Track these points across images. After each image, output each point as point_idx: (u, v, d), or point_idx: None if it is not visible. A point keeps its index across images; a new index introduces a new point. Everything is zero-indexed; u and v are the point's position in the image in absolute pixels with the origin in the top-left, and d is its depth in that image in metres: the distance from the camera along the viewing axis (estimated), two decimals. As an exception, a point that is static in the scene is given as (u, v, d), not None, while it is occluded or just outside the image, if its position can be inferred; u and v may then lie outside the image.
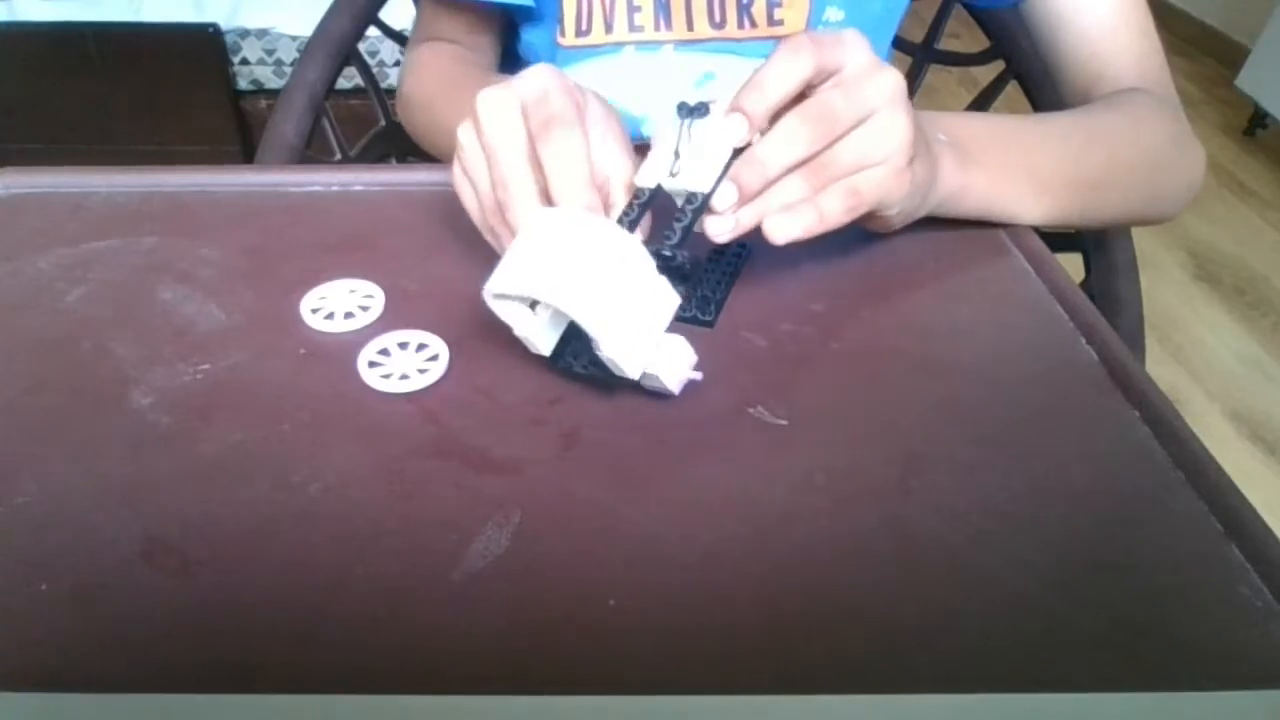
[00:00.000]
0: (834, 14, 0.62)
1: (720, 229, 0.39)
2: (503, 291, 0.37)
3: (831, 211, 0.40)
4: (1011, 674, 0.29)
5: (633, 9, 0.62)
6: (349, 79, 0.85)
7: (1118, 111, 0.56)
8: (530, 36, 0.71)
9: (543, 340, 0.39)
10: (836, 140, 0.40)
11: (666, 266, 0.38)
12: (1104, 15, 0.60)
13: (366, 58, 0.88)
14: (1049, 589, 0.32)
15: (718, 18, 0.62)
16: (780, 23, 0.62)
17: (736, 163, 0.39)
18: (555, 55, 0.65)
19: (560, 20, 0.63)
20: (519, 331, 0.39)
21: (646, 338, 0.37)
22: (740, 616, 0.31)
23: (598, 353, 0.36)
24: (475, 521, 0.34)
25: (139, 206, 0.46)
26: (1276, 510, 0.37)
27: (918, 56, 0.88)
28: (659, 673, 0.29)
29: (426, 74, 0.68)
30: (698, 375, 0.39)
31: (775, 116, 0.40)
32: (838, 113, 0.39)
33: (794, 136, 0.39)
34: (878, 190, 0.41)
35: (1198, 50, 2.83)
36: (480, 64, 0.69)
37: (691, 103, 0.41)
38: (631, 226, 0.41)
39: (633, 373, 0.37)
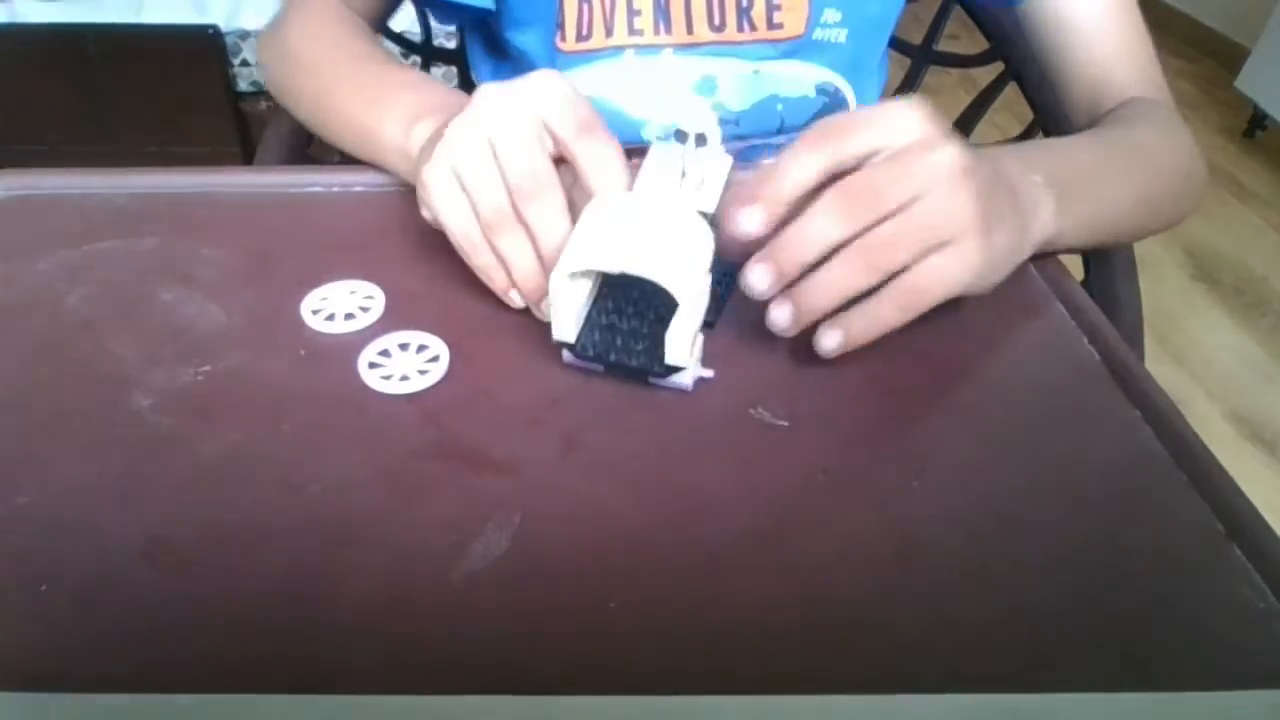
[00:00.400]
0: (832, 15, 0.62)
1: (779, 315, 0.38)
2: (592, 267, 0.36)
3: (888, 318, 0.38)
4: (1011, 674, 0.29)
5: (632, 13, 0.62)
6: (349, 80, 0.85)
7: (1153, 128, 0.55)
8: (521, 42, 0.71)
9: (573, 326, 0.38)
10: (882, 220, 0.36)
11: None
12: (1103, 20, 0.60)
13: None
14: (1049, 589, 0.32)
15: (717, 21, 0.62)
16: (780, 25, 0.62)
17: (772, 241, 0.37)
18: (554, 60, 0.65)
19: (560, 25, 0.63)
20: (560, 316, 0.38)
21: (699, 324, 0.37)
22: (740, 617, 0.31)
23: (664, 337, 0.36)
24: (475, 522, 0.34)
25: (139, 208, 0.46)
26: (1277, 510, 0.37)
27: (917, 58, 0.88)
28: (659, 673, 0.29)
29: (317, 33, 0.61)
30: (709, 372, 0.39)
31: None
32: (880, 188, 0.36)
33: (832, 212, 0.36)
34: (941, 282, 0.37)
35: (1198, 51, 2.84)
36: (371, 36, 0.64)
37: (687, 129, 0.39)
38: None
39: (684, 360, 0.37)
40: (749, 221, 0.36)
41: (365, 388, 0.39)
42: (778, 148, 0.70)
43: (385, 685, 0.28)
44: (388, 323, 0.43)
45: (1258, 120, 2.34)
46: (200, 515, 0.34)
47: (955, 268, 0.37)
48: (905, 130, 0.37)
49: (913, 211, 0.36)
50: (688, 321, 0.36)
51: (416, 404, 0.39)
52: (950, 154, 0.36)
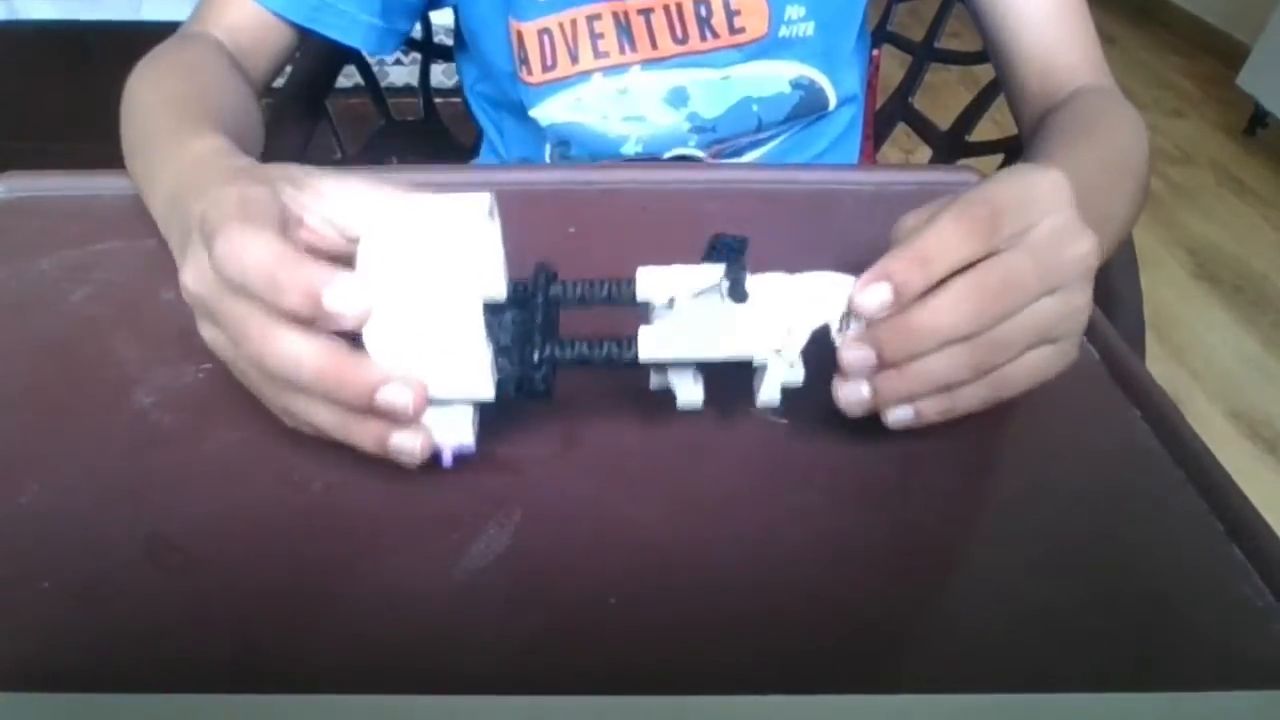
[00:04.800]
0: (795, 11, 0.62)
1: (851, 399, 0.33)
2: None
3: (969, 405, 0.34)
4: (1011, 674, 0.29)
5: (595, 36, 0.62)
6: (349, 78, 0.86)
7: (1127, 127, 0.54)
8: (485, 87, 0.71)
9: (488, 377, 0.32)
10: (1011, 316, 0.32)
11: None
12: (1047, 5, 0.60)
13: (366, 57, 0.88)
14: (1049, 589, 0.32)
15: (680, 33, 0.62)
16: (742, 30, 0.61)
17: (882, 325, 0.32)
18: (521, 92, 0.65)
19: (524, 61, 0.63)
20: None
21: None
22: (740, 616, 0.31)
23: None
24: (476, 520, 0.34)
25: (142, 209, 0.46)
26: (1276, 509, 0.37)
27: (917, 55, 0.88)
28: (659, 672, 0.29)
29: (163, 83, 0.52)
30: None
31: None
32: (1025, 285, 0.31)
33: (964, 308, 0.31)
34: (1036, 376, 0.34)
35: (1198, 48, 2.83)
36: (232, 92, 0.55)
37: (718, 243, 0.34)
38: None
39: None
40: (873, 301, 0.31)
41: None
42: (759, 143, 0.70)
43: (385, 685, 0.28)
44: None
45: (1259, 118, 2.34)
46: (202, 513, 0.34)
47: (1056, 364, 0.34)
48: (1056, 205, 0.32)
49: (1037, 310, 0.32)
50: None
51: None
52: (1089, 247, 0.32)
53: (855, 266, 0.39)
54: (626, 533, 0.34)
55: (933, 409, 0.34)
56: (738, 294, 0.33)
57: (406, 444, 0.31)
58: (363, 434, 0.32)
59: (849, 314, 0.33)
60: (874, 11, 0.86)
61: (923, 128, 0.88)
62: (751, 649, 0.30)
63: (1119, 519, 0.35)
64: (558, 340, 0.32)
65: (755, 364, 0.34)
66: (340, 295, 0.29)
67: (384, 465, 0.36)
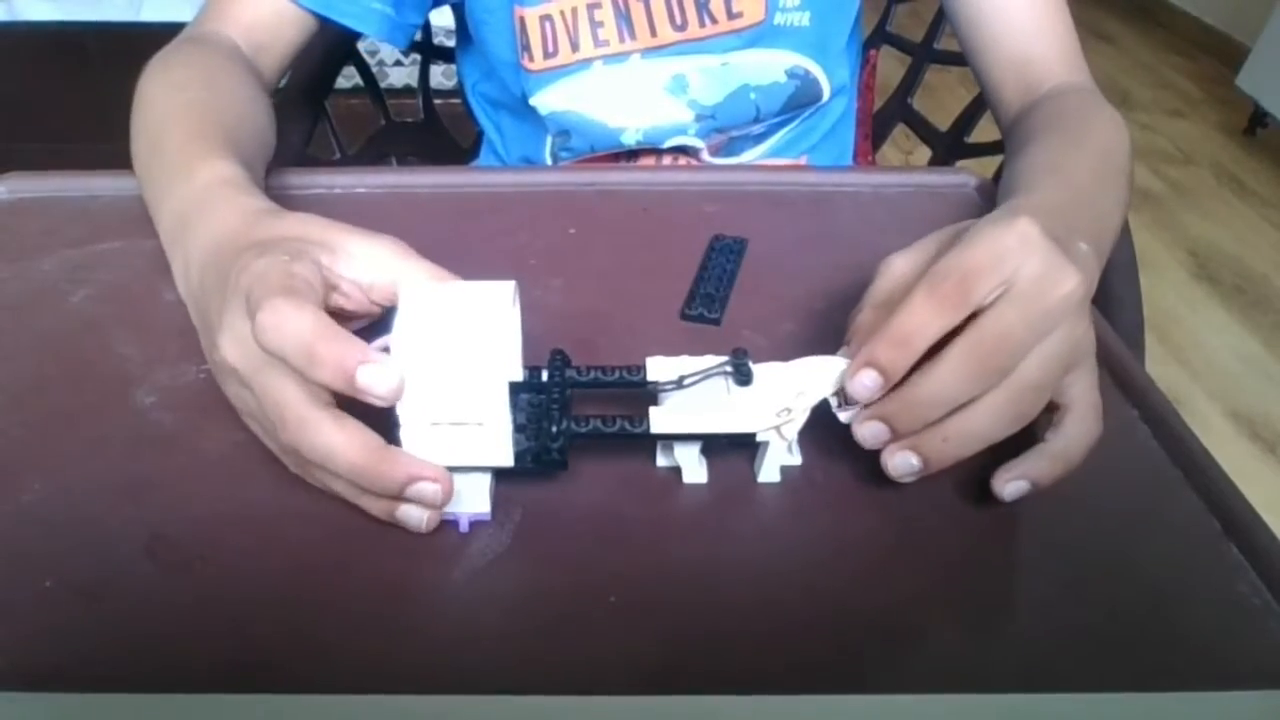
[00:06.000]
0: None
1: (901, 469, 0.33)
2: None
3: (993, 434, 0.33)
4: (1011, 674, 0.29)
5: (595, 24, 0.63)
6: (349, 79, 0.86)
7: (1111, 128, 0.54)
8: (486, 87, 0.71)
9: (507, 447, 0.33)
10: (1011, 370, 0.32)
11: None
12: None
13: (366, 57, 0.88)
14: (1048, 588, 0.32)
15: (679, 20, 0.63)
16: (739, 14, 0.62)
17: (890, 399, 0.32)
18: (522, 80, 0.65)
19: (526, 47, 0.63)
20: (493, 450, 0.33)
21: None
22: (740, 615, 0.31)
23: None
24: (476, 519, 0.34)
25: (142, 209, 0.46)
26: (1275, 509, 0.37)
27: (917, 56, 0.88)
28: (659, 672, 0.29)
29: (177, 91, 0.50)
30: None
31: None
32: (1017, 337, 0.31)
33: (961, 373, 0.31)
34: (1041, 405, 0.34)
35: (1198, 50, 2.83)
36: (242, 98, 0.53)
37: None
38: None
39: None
40: (864, 389, 0.32)
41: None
42: (757, 137, 0.70)
43: (385, 685, 0.28)
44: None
45: (1258, 118, 2.34)
46: (202, 512, 0.34)
47: (1051, 390, 0.34)
48: (1028, 255, 0.32)
49: (1044, 351, 0.32)
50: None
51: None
52: (1073, 284, 0.32)
53: (854, 268, 0.39)
54: (626, 532, 0.34)
55: (934, 454, 0.33)
56: (743, 378, 0.34)
57: (413, 518, 0.33)
58: (374, 507, 0.33)
59: (843, 391, 0.34)
60: (873, 13, 0.86)
61: (922, 128, 0.88)
62: (751, 649, 0.30)
63: (1118, 518, 0.35)
64: (572, 416, 0.34)
65: (759, 439, 0.35)
66: (373, 374, 0.30)
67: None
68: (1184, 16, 2.94)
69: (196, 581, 0.32)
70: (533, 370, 0.35)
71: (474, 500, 0.34)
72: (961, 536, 0.34)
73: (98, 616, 0.30)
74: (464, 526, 0.34)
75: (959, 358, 0.31)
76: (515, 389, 0.35)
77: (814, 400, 0.34)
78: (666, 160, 0.69)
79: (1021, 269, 0.32)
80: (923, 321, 0.31)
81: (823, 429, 0.36)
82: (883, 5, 0.90)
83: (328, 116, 0.81)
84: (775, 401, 0.34)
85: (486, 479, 0.34)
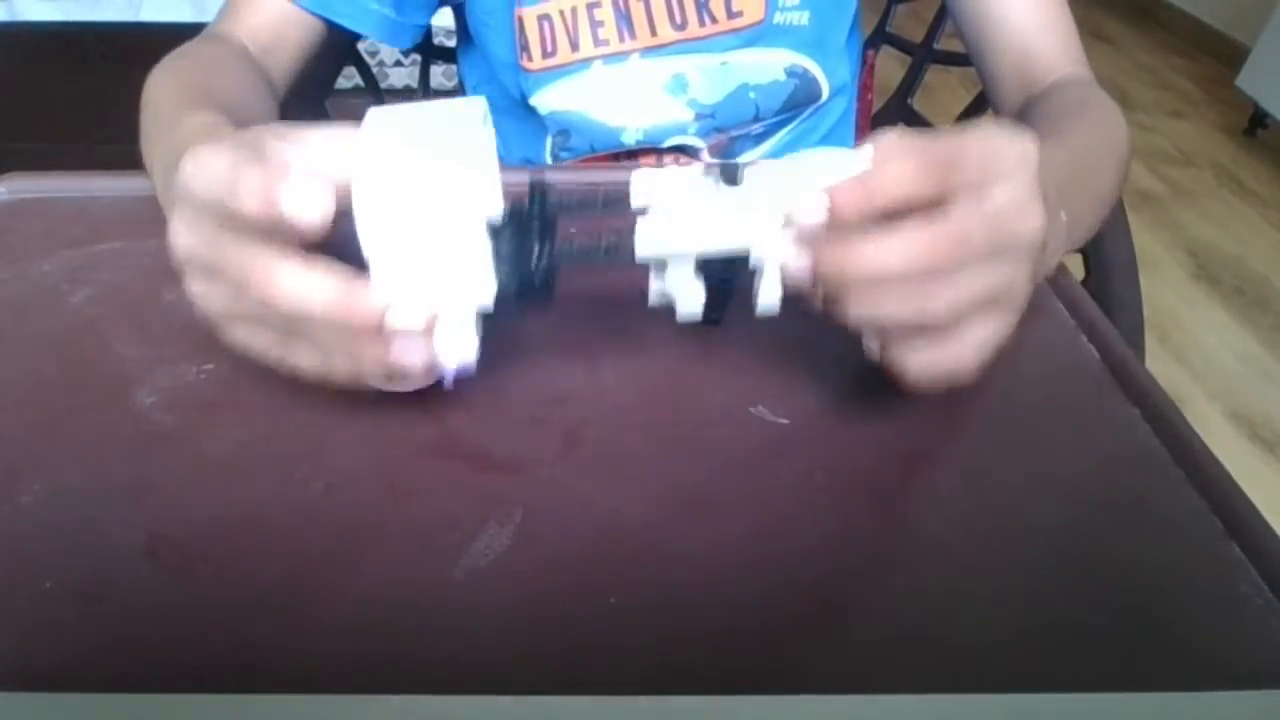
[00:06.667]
0: None
1: (792, 268, 0.33)
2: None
3: (919, 369, 0.33)
4: (1011, 674, 0.29)
5: (595, 24, 0.63)
6: (349, 79, 0.86)
7: (1108, 115, 0.55)
8: (487, 90, 0.71)
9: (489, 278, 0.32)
10: (954, 272, 0.32)
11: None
12: None
13: (366, 58, 0.88)
14: (1048, 588, 0.32)
15: (679, 19, 0.63)
16: (739, 14, 0.62)
17: (829, 245, 0.32)
18: (521, 80, 0.65)
19: (525, 47, 0.63)
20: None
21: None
22: (740, 616, 0.31)
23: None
24: (477, 520, 0.34)
25: (143, 209, 0.46)
26: (1276, 509, 0.37)
27: (917, 56, 0.88)
28: (659, 672, 0.29)
29: (176, 75, 0.52)
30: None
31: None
32: (972, 243, 0.31)
33: (907, 249, 0.31)
34: (981, 345, 0.33)
35: (1198, 50, 2.83)
36: (248, 93, 0.55)
37: (714, 161, 0.35)
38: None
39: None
40: (808, 210, 0.31)
41: (367, 385, 0.39)
42: (757, 136, 0.70)
43: (385, 685, 0.28)
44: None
45: (1258, 119, 2.34)
46: (203, 513, 0.34)
47: (996, 335, 0.34)
48: (1018, 172, 0.32)
49: (982, 271, 0.32)
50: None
51: (419, 402, 0.39)
52: (1039, 223, 0.32)
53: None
54: (627, 532, 0.34)
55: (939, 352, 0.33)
56: (730, 175, 0.32)
57: (409, 356, 0.31)
58: (369, 359, 0.32)
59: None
60: (873, 13, 0.86)
61: (922, 129, 0.88)
62: (751, 649, 0.30)
63: (1119, 518, 0.35)
64: (555, 240, 0.32)
65: (752, 264, 0.33)
66: (296, 192, 0.28)
67: (384, 465, 0.36)
68: (1184, 17, 2.95)
69: (196, 582, 0.32)
70: (514, 205, 0.33)
71: (457, 350, 0.31)
72: (962, 536, 0.34)
73: (97, 617, 0.30)
74: (449, 382, 0.32)
75: (911, 233, 0.30)
76: (494, 223, 0.32)
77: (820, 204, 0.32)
78: (667, 160, 0.69)
79: (1004, 183, 0.31)
80: (894, 177, 0.31)
81: (823, 428, 0.36)
82: (882, 5, 0.90)
83: (328, 116, 0.81)
84: (774, 208, 0.32)
85: (470, 325, 0.32)
